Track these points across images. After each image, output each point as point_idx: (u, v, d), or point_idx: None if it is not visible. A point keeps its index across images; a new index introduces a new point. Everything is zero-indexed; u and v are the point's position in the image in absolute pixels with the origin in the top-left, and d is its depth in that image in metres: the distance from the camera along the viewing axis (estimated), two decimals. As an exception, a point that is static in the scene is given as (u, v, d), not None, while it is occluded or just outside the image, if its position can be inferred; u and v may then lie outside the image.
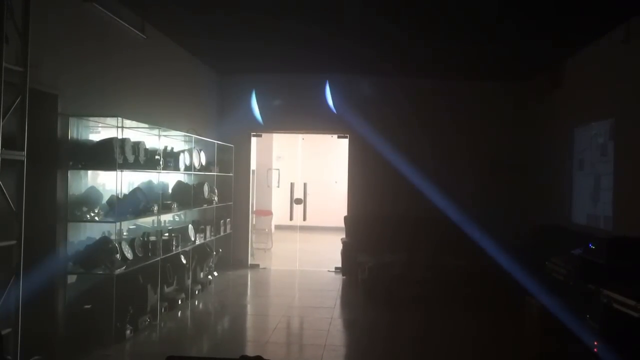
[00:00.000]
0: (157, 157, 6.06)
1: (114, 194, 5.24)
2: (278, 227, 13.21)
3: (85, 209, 5.01)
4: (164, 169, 6.22)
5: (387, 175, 8.84)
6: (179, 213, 7.06)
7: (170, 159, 6.45)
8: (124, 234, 5.75)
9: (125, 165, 5.28)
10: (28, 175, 3.88)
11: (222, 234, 8.31)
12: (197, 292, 7.12)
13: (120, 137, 5.16)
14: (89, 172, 5.27)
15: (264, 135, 10.14)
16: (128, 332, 5.21)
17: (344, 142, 9.51)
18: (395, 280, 7.25)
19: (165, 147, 6.57)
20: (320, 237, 12.61)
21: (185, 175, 7.29)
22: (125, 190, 5.62)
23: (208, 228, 7.58)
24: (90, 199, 5.17)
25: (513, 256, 6.80)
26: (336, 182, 13.78)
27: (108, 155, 5.01)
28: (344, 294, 7.77)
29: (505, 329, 6.04)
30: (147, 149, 5.87)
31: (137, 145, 5.54)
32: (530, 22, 6.01)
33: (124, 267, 5.13)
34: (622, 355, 4.26)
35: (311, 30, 6.49)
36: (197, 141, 7.48)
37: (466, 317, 6.51)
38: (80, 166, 5.01)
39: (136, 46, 6.06)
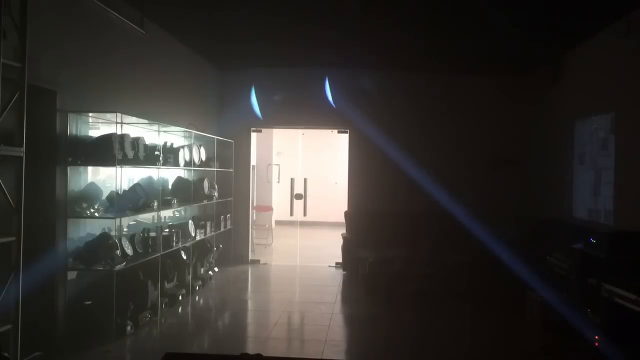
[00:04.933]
0: (156, 152, 6.04)
1: (114, 190, 5.23)
2: (278, 223, 13.20)
3: (85, 205, 5.00)
4: (163, 164, 6.20)
5: (387, 170, 8.84)
6: (179, 209, 7.05)
7: (170, 155, 6.44)
8: (124, 230, 5.74)
9: (125, 161, 5.26)
10: (27, 172, 3.86)
11: (222, 229, 8.30)
12: (197, 288, 7.12)
13: (119, 133, 5.15)
14: (89, 168, 5.26)
15: (264, 130, 10.11)
16: (128, 328, 5.21)
17: (344, 137, 9.49)
18: (395, 275, 7.24)
19: (165, 143, 6.55)
20: (321, 232, 12.62)
21: (185, 171, 7.27)
22: (125, 186, 5.61)
23: (208, 224, 7.57)
24: (89, 195, 5.15)
25: (514, 251, 6.79)
26: (336, 183, 13.78)
27: (107, 151, 4.99)
28: (345, 289, 7.77)
29: (506, 324, 6.03)
30: (147, 144, 5.86)
31: (136, 141, 5.52)
32: (530, 16, 5.98)
33: (124, 263, 5.12)
34: (623, 349, 4.26)
35: (311, 25, 6.47)
36: (197, 137, 7.46)
37: (467, 312, 6.51)
38: (79, 162, 5.00)
39: (135, 41, 6.03)
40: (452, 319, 6.28)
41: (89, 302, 5.07)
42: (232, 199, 9.01)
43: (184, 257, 6.69)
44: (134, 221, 6.01)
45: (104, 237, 5.09)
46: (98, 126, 5.39)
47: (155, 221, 6.21)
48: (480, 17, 6.04)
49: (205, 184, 7.58)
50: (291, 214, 11.00)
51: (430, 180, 8.53)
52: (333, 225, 12.14)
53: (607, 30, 6.25)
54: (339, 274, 8.60)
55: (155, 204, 5.81)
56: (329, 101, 9.00)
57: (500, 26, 6.31)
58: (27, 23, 3.80)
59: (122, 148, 5.18)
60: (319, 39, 7.15)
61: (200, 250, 7.49)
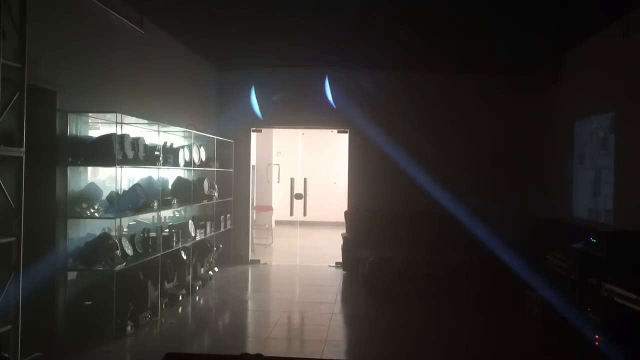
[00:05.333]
0: (156, 153, 6.04)
1: (114, 190, 5.23)
2: (278, 223, 13.21)
3: (85, 205, 5.00)
4: (163, 164, 6.20)
5: (387, 170, 8.83)
6: (179, 209, 7.05)
7: (169, 155, 6.44)
8: (124, 230, 5.74)
9: (125, 162, 5.26)
10: (27, 172, 3.86)
11: (222, 229, 8.30)
12: (197, 288, 7.12)
13: (119, 133, 5.15)
14: (89, 168, 5.26)
15: (263, 130, 10.11)
16: (129, 328, 5.21)
17: (344, 137, 9.49)
18: (395, 275, 7.25)
19: (165, 143, 6.55)
20: (321, 232, 12.62)
21: (185, 171, 7.27)
22: (125, 186, 5.61)
23: (208, 224, 7.57)
24: (89, 195, 5.15)
25: (514, 250, 6.79)
26: (335, 182, 13.83)
27: (107, 151, 4.99)
28: (345, 289, 7.77)
29: (506, 323, 6.03)
30: (147, 144, 5.86)
31: (136, 141, 5.52)
32: (530, 16, 5.97)
33: (124, 264, 5.12)
34: (623, 349, 4.26)
35: (310, 24, 6.47)
36: (197, 137, 7.46)
37: (467, 312, 6.51)
38: (79, 162, 5.00)
39: (135, 41, 6.03)
40: (452, 318, 6.28)
41: (89, 302, 5.07)
42: (232, 199, 9.01)
43: (184, 257, 6.69)
44: (134, 221, 6.01)
45: (104, 237, 5.09)
46: (98, 126, 5.39)
47: (155, 221, 6.21)
48: (481, 16, 6.04)
49: (205, 184, 7.58)
50: (291, 214, 11.00)
51: (430, 180, 8.53)
52: (333, 225, 12.15)
53: (607, 30, 6.25)
54: (339, 274, 8.60)
55: (155, 204, 5.80)
56: (329, 101, 9.00)
57: (501, 26, 6.31)
58: (26, 23, 3.79)
59: (122, 148, 5.18)
60: (319, 39, 7.14)
61: (200, 250, 7.49)
